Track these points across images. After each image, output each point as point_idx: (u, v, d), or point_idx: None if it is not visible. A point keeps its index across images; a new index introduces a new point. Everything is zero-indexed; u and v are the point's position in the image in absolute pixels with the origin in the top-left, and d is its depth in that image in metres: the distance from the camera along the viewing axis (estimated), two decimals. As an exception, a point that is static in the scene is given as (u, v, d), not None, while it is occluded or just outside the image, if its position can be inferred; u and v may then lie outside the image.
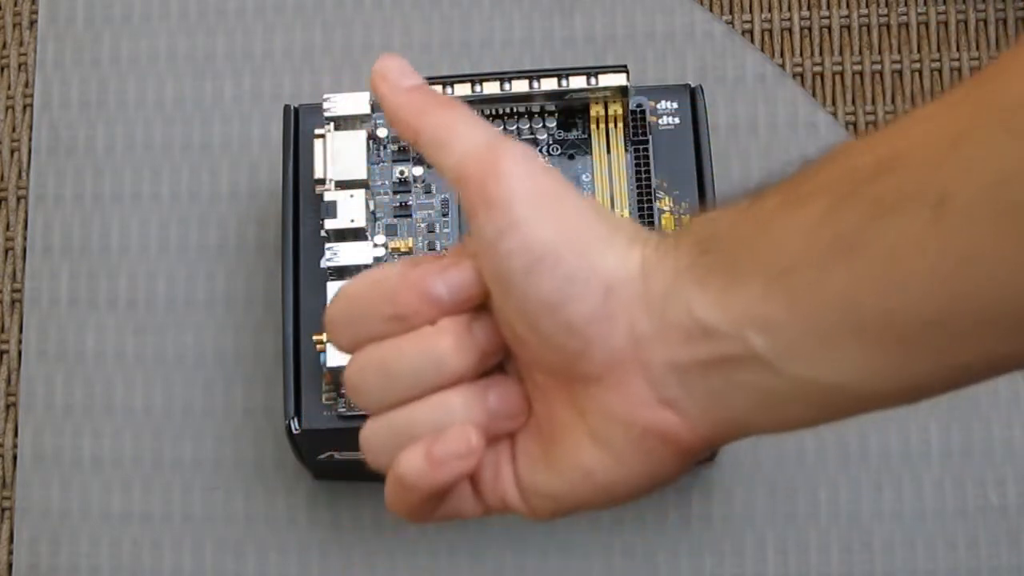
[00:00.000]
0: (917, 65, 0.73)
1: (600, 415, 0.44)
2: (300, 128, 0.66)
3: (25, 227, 0.72)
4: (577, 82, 0.64)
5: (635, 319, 0.43)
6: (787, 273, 0.41)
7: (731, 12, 0.74)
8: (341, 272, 0.62)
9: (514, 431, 0.46)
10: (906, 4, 0.74)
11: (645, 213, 0.63)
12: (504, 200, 0.43)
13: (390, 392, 0.45)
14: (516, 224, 0.43)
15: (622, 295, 0.43)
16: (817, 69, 0.73)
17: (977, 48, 0.73)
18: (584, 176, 0.65)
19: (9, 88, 0.74)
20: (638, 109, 0.65)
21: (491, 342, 0.45)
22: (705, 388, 0.42)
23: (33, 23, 0.75)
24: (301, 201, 0.65)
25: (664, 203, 0.64)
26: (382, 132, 0.66)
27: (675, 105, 0.66)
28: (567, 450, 0.44)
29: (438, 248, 0.64)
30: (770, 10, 0.74)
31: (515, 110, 0.65)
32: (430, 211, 0.65)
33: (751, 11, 0.74)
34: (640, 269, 0.43)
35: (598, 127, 0.65)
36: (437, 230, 0.65)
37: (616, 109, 0.65)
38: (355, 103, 0.64)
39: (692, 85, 0.66)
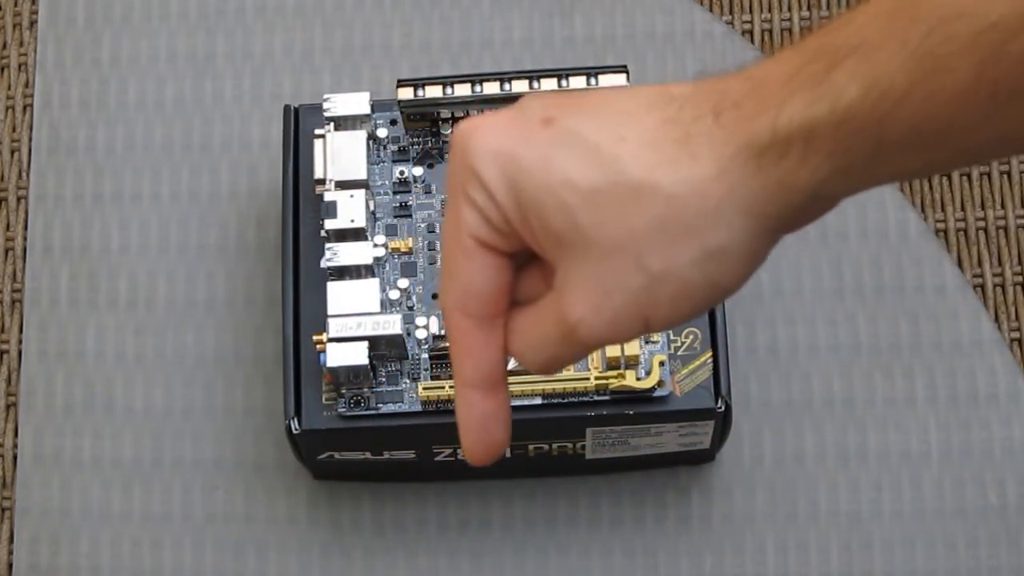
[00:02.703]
0: (917, 65, 0.73)
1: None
2: (300, 128, 0.66)
3: (25, 227, 0.72)
4: (577, 82, 0.64)
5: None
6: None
7: (731, 12, 0.74)
8: (341, 272, 0.62)
9: None
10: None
11: (645, 213, 0.63)
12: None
13: None
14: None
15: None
16: (817, 69, 0.73)
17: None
18: (584, 176, 0.65)
19: (9, 88, 0.74)
20: (638, 109, 0.65)
21: None
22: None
23: (33, 23, 0.75)
24: (301, 201, 0.65)
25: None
26: (382, 132, 0.66)
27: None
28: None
29: (438, 248, 0.65)
30: (770, 10, 0.74)
31: (515, 110, 0.65)
32: (430, 211, 0.65)
33: (751, 11, 0.74)
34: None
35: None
36: (437, 230, 0.65)
37: (616, 109, 0.65)
38: (355, 103, 0.64)
39: (692, 85, 0.66)
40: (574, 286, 0.44)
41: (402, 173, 0.65)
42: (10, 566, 0.68)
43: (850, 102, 0.41)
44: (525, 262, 0.47)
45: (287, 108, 0.67)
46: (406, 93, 0.64)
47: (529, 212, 0.44)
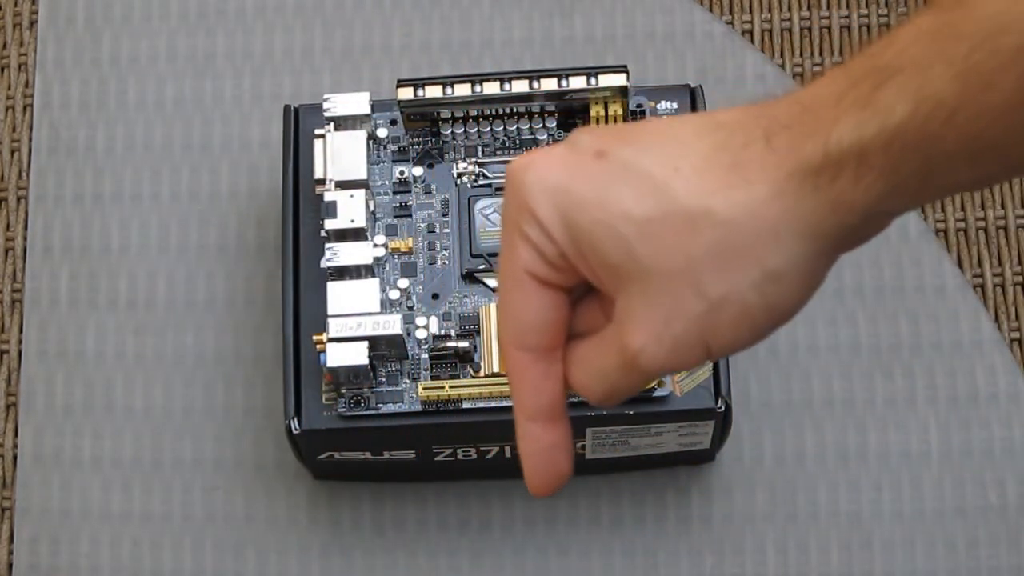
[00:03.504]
0: (917, 65, 0.73)
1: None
2: (300, 128, 0.66)
3: (25, 227, 0.72)
4: (577, 82, 0.64)
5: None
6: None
7: (731, 12, 0.74)
8: (341, 272, 0.62)
9: None
10: (906, 4, 0.74)
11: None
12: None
13: None
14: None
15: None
16: (817, 69, 0.73)
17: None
18: (584, 176, 0.65)
19: (9, 88, 0.74)
20: (638, 109, 0.65)
21: None
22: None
23: (33, 23, 0.75)
24: (301, 201, 0.65)
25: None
26: (382, 132, 0.66)
27: (675, 105, 0.66)
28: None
29: (438, 248, 0.64)
30: (770, 10, 0.74)
31: (515, 110, 0.65)
32: (430, 211, 0.65)
33: (751, 11, 0.74)
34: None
35: (599, 127, 0.65)
36: (437, 230, 0.65)
37: (616, 109, 0.65)
38: (355, 103, 0.64)
39: (692, 85, 0.66)
40: (634, 315, 0.45)
41: (402, 173, 0.65)
42: (10, 566, 0.68)
43: (900, 121, 0.42)
44: (582, 295, 0.47)
45: (287, 108, 0.67)
46: (406, 93, 0.64)
47: (585, 246, 0.45)
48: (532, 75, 0.64)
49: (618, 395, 0.47)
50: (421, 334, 0.63)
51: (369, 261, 0.62)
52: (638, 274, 0.44)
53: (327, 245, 0.62)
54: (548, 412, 0.47)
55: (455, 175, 0.65)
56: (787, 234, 0.43)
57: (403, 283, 0.64)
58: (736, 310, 0.44)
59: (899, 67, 0.42)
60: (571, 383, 0.47)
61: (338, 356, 0.61)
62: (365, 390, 0.62)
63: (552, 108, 0.65)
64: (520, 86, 0.64)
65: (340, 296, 0.61)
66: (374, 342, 0.61)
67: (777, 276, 0.44)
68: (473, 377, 0.62)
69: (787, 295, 0.44)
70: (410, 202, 0.65)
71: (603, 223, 0.44)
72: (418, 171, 0.66)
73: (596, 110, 0.65)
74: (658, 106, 0.66)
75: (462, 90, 0.64)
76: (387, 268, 0.64)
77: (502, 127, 0.65)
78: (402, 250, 0.64)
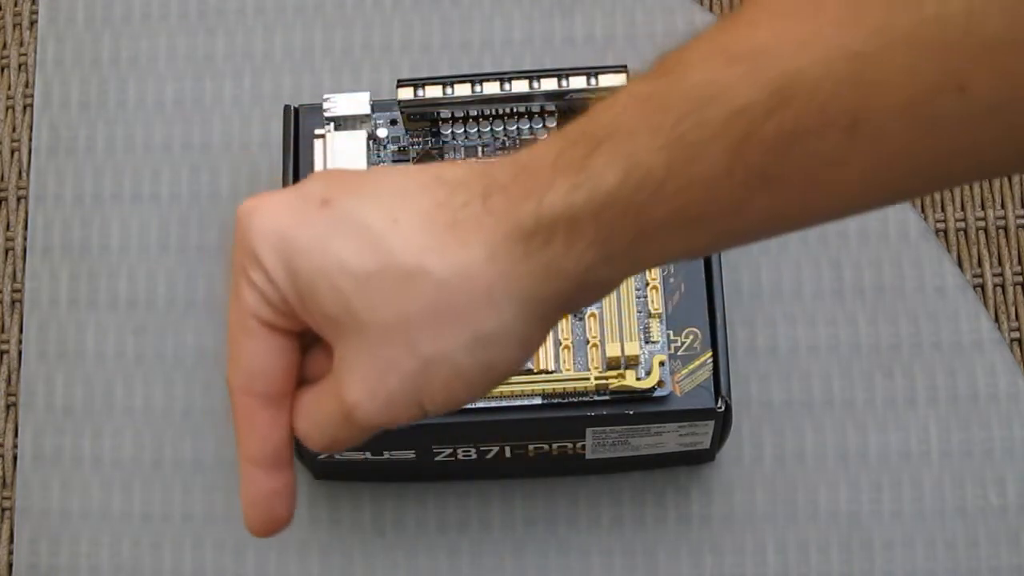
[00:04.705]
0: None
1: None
2: (300, 128, 0.66)
3: (25, 227, 0.72)
4: (577, 82, 0.64)
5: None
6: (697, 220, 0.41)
7: (731, 12, 0.74)
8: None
9: None
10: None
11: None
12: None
13: None
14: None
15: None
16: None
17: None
18: (584, 176, 0.65)
19: (9, 88, 0.74)
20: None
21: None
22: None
23: (33, 23, 0.75)
24: (301, 201, 0.65)
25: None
26: (382, 132, 0.66)
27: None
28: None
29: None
30: (770, 10, 0.74)
31: (515, 110, 0.65)
32: (430, 211, 0.65)
33: (751, 11, 0.74)
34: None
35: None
36: (437, 230, 0.65)
37: (616, 109, 0.65)
38: (355, 103, 0.64)
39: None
40: (350, 369, 0.44)
41: (402, 173, 0.65)
42: (10, 566, 0.68)
43: (609, 189, 0.41)
44: (313, 341, 0.46)
45: (287, 108, 0.67)
46: (406, 93, 0.64)
47: (305, 295, 0.44)
48: (532, 75, 0.64)
49: (338, 446, 0.46)
50: (421, 334, 0.63)
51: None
52: (355, 327, 0.43)
53: (327, 245, 0.62)
54: (273, 459, 0.46)
55: (455, 175, 0.65)
56: (501, 298, 0.43)
57: (403, 283, 0.64)
58: (448, 371, 0.43)
59: (610, 134, 0.41)
60: (295, 431, 0.46)
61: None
62: (365, 390, 0.62)
63: (552, 108, 0.65)
64: (520, 86, 0.64)
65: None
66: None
67: (490, 340, 0.43)
68: (473, 377, 0.62)
69: (502, 356, 0.44)
70: (410, 202, 0.65)
71: (323, 273, 0.43)
72: (418, 171, 0.65)
73: (596, 110, 0.65)
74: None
75: (462, 90, 0.64)
76: (387, 268, 0.64)
77: (502, 127, 0.65)
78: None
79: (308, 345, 0.47)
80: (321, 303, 0.44)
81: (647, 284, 0.62)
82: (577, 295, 0.43)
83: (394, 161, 0.66)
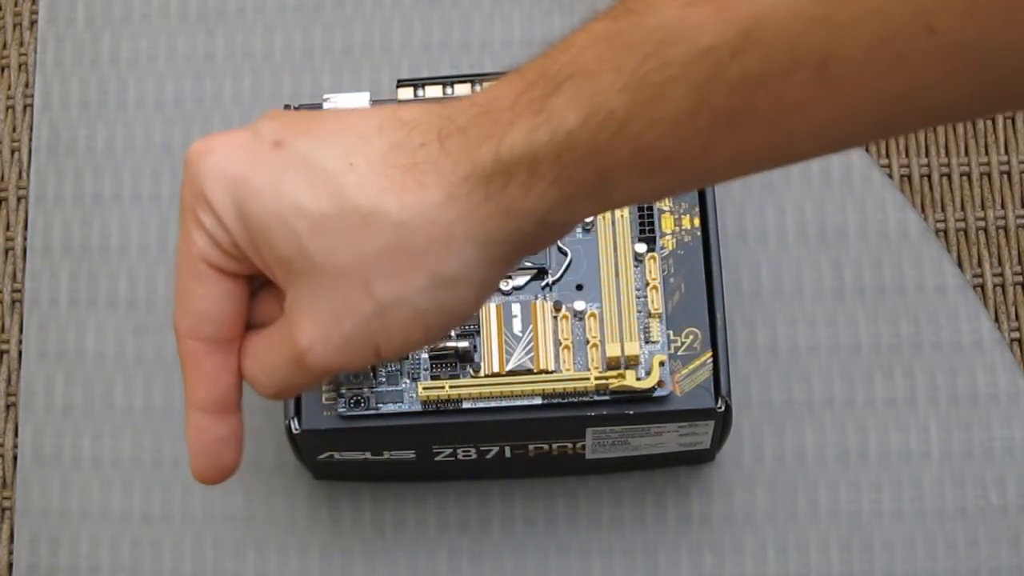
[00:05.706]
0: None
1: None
2: (300, 128, 0.66)
3: (25, 227, 0.72)
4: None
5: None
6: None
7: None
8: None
9: None
10: None
11: (645, 212, 0.63)
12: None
13: None
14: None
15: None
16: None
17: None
18: (584, 176, 0.65)
19: (9, 88, 0.74)
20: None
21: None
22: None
23: (33, 23, 0.75)
24: (301, 201, 0.65)
25: (663, 203, 0.64)
26: (382, 132, 0.66)
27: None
28: None
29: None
30: (770, 10, 0.74)
31: (515, 110, 0.65)
32: (430, 211, 0.65)
33: (751, 11, 0.74)
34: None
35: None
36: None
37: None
38: (355, 103, 0.64)
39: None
40: (304, 312, 0.43)
41: (402, 173, 0.65)
42: (10, 566, 0.68)
43: (569, 130, 0.41)
44: (261, 285, 0.46)
45: (287, 108, 0.67)
46: (406, 93, 0.64)
47: (258, 237, 0.43)
48: (532, 75, 0.64)
49: (289, 391, 0.46)
50: (421, 334, 0.63)
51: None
52: (309, 270, 0.43)
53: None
54: (220, 404, 0.46)
55: (455, 175, 0.65)
56: (460, 240, 0.42)
57: (403, 283, 0.64)
58: (407, 313, 0.43)
59: (570, 74, 0.41)
60: (244, 375, 0.46)
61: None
62: (365, 390, 0.62)
63: (552, 108, 0.65)
64: (520, 86, 0.64)
65: (340, 296, 0.61)
66: (374, 342, 0.61)
67: (449, 281, 0.43)
68: (473, 377, 0.62)
69: (460, 299, 0.43)
70: (410, 202, 0.65)
71: (276, 215, 0.43)
72: (418, 171, 0.65)
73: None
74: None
75: (462, 90, 0.64)
76: (387, 268, 0.64)
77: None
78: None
79: (257, 289, 0.46)
80: (274, 246, 0.43)
81: (647, 284, 0.62)
82: (537, 237, 0.43)
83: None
